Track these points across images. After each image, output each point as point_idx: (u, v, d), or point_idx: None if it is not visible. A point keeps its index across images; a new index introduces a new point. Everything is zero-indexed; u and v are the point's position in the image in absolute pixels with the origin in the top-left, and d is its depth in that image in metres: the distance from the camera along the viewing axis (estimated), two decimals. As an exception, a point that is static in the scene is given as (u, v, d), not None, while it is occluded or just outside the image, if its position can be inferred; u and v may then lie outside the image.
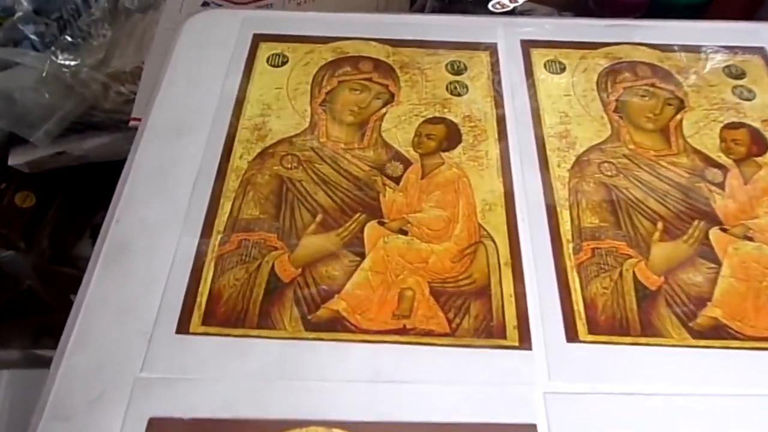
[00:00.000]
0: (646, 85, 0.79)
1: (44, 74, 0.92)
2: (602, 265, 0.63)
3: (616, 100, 0.78)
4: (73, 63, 0.95)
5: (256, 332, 0.55)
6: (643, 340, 0.55)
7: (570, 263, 0.63)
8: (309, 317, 0.55)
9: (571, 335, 0.56)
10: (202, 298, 0.57)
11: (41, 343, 1.02)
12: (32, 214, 1.00)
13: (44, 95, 0.92)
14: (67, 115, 0.99)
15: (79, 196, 1.09)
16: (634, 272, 0.62)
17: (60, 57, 0.92)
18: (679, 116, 0.76)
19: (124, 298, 0.57)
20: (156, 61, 0.87)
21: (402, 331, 0.54)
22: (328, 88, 0.78)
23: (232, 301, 0.57)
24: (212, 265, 0.60)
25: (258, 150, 0.72)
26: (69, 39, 0.95)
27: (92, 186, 1.03)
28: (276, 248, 0.63)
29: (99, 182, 0.82)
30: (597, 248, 0.64)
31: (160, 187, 0.67)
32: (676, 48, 0.83)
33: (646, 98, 0.78)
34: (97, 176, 0.95)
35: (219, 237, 0.63)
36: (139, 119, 0.82)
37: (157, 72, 0.80)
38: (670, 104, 0.78)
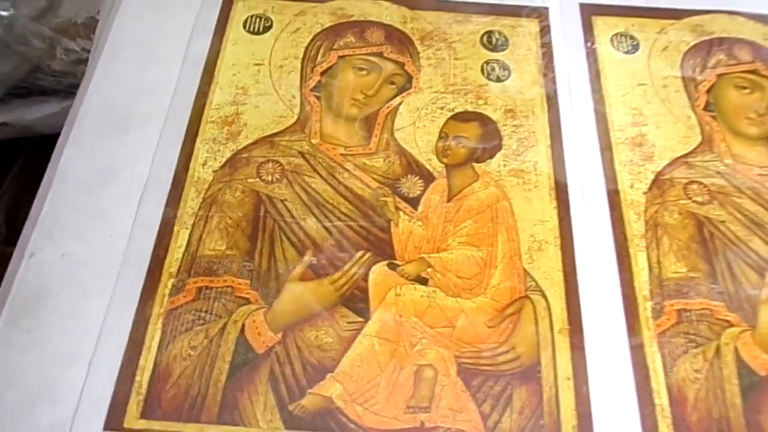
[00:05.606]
0: (746, 71, 0.61)
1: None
2: (692, 336, 0.48)
3: (708, 92, 0.59)
4: (5, 13, 0.84)
5: (214, 430, 0.43)
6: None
7: (648, 332, 0.48)
8: (290, 408, 0.44)
9: (652, 443, 0.44)
10: (143, 376, 0.45)
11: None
12: (-18, 190, 0.96)
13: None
14: (4, 78, 0.90)
15: (38, 167, 0.96)
16: (736, 349, 0.47)
17: (-12, 6, 0.84)
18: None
19: (34, 373, 0.44)
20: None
21: (419, 432, 0.44)
22: (325, 65, 0.61)
23: (185, 381, 0.45)
24: (159, 325, 0.47)
25: (228, 153, 0.55)
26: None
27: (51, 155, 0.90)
28: (248, 301, 0.48)
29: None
30: (684, 310, 0.49)
31: (93, 207, 0.52)
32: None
33: (747, 90, 0.60)
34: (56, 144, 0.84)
35: (170, 282, 0.49)
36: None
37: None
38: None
